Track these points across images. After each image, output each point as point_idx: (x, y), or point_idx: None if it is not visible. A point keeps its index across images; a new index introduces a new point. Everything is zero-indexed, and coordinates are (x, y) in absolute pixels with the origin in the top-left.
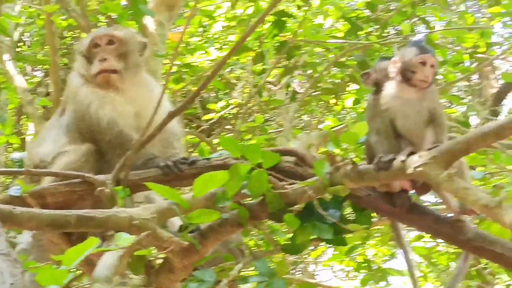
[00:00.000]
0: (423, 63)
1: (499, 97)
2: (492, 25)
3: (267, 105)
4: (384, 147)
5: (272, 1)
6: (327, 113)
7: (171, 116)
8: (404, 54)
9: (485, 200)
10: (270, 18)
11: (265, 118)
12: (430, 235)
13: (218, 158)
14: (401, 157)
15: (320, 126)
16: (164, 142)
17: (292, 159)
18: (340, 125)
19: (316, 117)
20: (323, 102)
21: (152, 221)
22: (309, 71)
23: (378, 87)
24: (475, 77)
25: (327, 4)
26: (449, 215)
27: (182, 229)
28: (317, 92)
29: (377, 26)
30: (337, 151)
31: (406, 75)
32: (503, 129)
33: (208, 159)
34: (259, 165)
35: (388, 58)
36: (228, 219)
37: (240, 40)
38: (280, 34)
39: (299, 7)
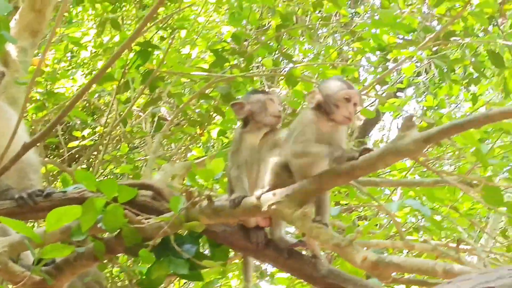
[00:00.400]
0: (348, 99)
1: (365, 128)
2: (358, 60)
3: (131, 134)
4: (243, 183)
5: (133, 32)
6: (193, 144)
7: (25, 148)
8: (326, 88)
9: (337, 239)
10: (137, 47)
11: (132, 146)
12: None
13: (74, 191)
14: (256, 194)
15: (189, 155)
16: (20, 173)
17: (149, 193)
18: (204, 156)
19: (183, 147)
20: (187, 133)
21: (4, 255)
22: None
23: (247, 120)
24: None
25: (194, 34)
26: (304, 252)
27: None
28: (183, 122)
29: (242, 59)
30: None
31: (327, 109)
32: (354, 169)
33: (64, 191)
34: (115, 199)
35: (261, 92)
36: (83, 253)
37: (101, 70)
38: (145, 64)
39: (162, 38)
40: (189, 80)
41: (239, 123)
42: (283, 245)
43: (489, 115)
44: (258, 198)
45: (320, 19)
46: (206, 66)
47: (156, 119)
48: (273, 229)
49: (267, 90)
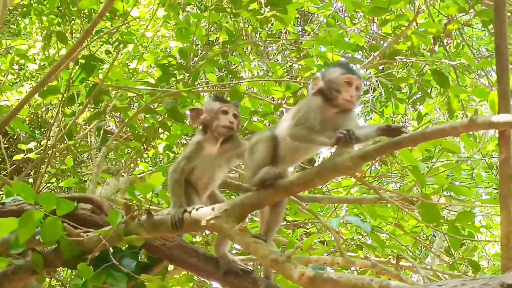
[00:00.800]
0: (349, 83)
1: None
2: (305, 78)
3: (76, 148)
4: (180, 189)
5: (74, 44)
6: (139, 158)
7: None
8: (327, 74)
9: (275, 254)
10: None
11: (79, 160)
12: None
13: (13, 203)
14: (192, 208)
15: (136, 170)
16: None
17: (89, 206)
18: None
19: (129, 161)
20: (131, 147)
21: None
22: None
23: (206, 128)
24: None
25: (142, 49)
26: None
27: None
28: (130, 136)
29: (188, 74)
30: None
31: (329, 95)
32: (292, 185)
33: (3, 203)
34: (54, 212)
35: (220, 100)
36: (22, 266)
37: (40, 82)
38: (89, 78)
39: (108, 52)
40: (135, 94)
41: (198, 131)
42: (223, 262)
43: (425, 133)
44: (195, 209)
45: (268, 37)
46: (152, 81)
47: (101, 132)
48: (217, 245)
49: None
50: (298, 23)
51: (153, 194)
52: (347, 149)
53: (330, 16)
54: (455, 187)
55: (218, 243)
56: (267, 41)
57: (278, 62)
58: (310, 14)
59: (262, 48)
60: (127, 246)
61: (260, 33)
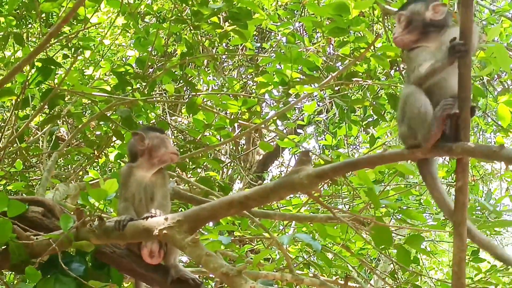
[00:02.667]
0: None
1: (264, 163)
2: (261, 94)
3: (27, 151)
4: (130, 213)
5: (36, 47)
6: (90, 165)
7: None
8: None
9: (226, 268)
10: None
11: (29, 164)
12: None
13: None
14: (145, 216)
15: (86, 177)
16: None
17: (40, 209)
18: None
19: (80, 168)
20: (83, 153)
21: None
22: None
23: (137, 155)
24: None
25: (99, 56)
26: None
27: None
28: (82, 143)
29: (144, 84)
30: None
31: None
32: (247, 200)
33: None
34: (4, 214)
35: (159, 130)
36: None
37: None
38: (46, 81)
39: (66, 56)
40: (90, 101)
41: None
42: (173, 271)
43: (384, 157)
44: (146, 218)
45: (225, 51)
46: (108, 88)
47: (53, 137)
48: (167, 255)
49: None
50: (255, 39)
51: (106, 201)
52: (304, 167)
53: (289, 34)
54: (407, 211)
55: (168, 252)
56: (225, 56)
57: (233, 77)
58: (267, 32)
59: (218, 63)
60: (76, 251)
61: (217, 48)
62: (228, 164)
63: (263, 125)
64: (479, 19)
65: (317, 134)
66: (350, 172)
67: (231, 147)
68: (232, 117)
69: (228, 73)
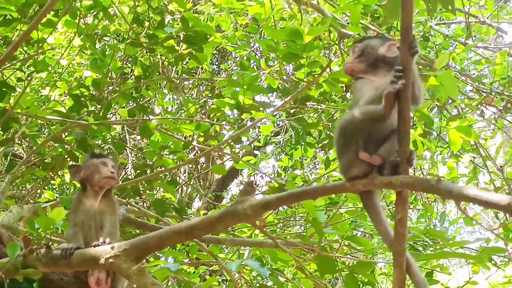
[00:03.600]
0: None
1: (224, 182)
2: (218, 116)
3: None
4: (78, 240)
5: None
6: (46, 186)
7: None
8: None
9: None
10: None
11: None
12: None
13: None
14: (93, 244)
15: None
16: None
17: None
18: (55, 200)
19: (35, 188)
20: (37, 175)
21: None
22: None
23: (85, 183)
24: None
25: (56, 76)
26: None
27: None
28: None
29: (99, 106)
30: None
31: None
32: (193, 229)
33: None
34: None
35: (96, 155)
36: None
37: None
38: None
39: (20, 79)
40: (46, 123)
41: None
42: None
43: (326, 188)
44: (94, 246)
45: (183, 72)
46: (64, 110)
47: (8, 158)
48: (114, 283)
49: (103, 154)
50: (215, 59)
51: (54, 229)
52: (248, 197)
53: (245, 57)
54: (355, 237)
55: (115, 280)
56: (182, 77)
57: (192, 96)
58: (227, 52)
59: (178, 81)
60: (24, 278)
61: (176, 67)
62: (187, 183)
63: (217, 148)
64: (433, 43)
65: (276, 154)
66: None
67: (191, 166)
68: (187, 139)
69: (188, 91)
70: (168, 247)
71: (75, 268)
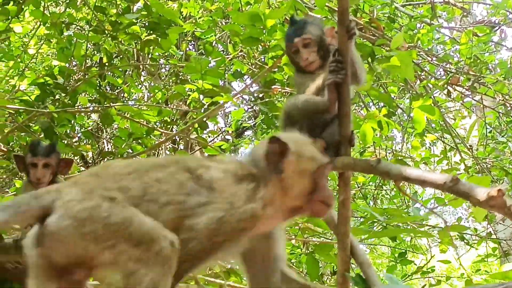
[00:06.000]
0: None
1: None
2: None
3: None
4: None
5: None
6: (15, 176)
7: None
8: None
9: None
10: None
11: None
12: None
13: None
14: None
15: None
16: None
17: None
18: None
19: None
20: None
21: None
22: None
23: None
24: None
25: (23, 65)
26: None
27: None
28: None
29: (64, 94)
30: None
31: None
32: None
33: None
34: None
35: (31, 150)
36: None
37: None
38: None
39: None
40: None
41: None
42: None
43: None
44: None
45: (152, 60)
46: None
47: None
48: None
49: (40, 149)
50: (192, 46)
51: None
52: None
53: (214, 42)
54: (315, 220)
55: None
56: (146, 63)
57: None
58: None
59: (151, 69)
60: None
61: (145, 54)
62: None
63: (182, 133)
64: (400, 24)
65: (254, 139)
66: None
67: (170, 152)
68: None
69: (166, 79)
70: None
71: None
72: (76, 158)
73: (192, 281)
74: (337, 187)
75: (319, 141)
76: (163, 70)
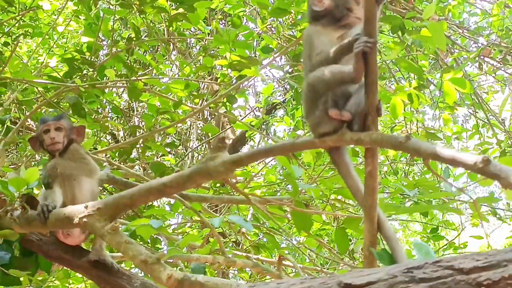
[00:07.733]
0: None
1: (235, 147)
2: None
3: None
4: (55, 194)
5: None
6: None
7: None
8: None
9: (145, 256)
10: None
11: None
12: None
13: None
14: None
15: None
16: None
17: None
18: None
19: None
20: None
21: None
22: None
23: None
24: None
25: (52, 42)
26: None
27: None
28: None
29: (92, 70)
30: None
31: (336, 14)
32: (165, 187)
33: None
34: None
35: (42, 121)
36: None
37: None
38: None
39: (6, 44)
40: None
41: None
42: (92, 253)
43: (295, 144)
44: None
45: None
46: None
47: (5, 125)
48: (94, 240)
49: (49, 117)
50: (222, 24)
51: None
52: (219, 154)
53: (236, 16)
54: (344, 191)
55: (94, 240)
56: (173, 38)
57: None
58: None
59: (181, 47)
60: (3, 239)
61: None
62: (198, 148)
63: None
64: None
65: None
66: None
67: (203, 132)
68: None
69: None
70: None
71: (50, 228)
72: (104, 134)
73: (219, 253)
74: (364, 159)
75: (345, 113)
76: (194, 50)
